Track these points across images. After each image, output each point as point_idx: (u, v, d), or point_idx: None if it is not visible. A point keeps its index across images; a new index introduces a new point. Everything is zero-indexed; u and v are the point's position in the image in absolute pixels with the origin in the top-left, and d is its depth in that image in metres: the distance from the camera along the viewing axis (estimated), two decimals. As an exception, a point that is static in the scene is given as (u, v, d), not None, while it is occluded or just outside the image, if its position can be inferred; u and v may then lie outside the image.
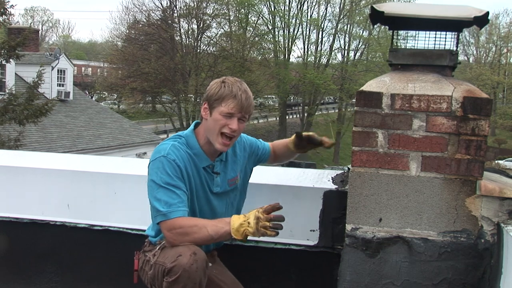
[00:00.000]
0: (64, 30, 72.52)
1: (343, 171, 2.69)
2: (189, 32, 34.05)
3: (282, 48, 38.61)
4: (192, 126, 2.39)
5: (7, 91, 14.56)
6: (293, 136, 2.62)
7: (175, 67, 32.46)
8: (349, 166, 2.39)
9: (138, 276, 2.36)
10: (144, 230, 2.72)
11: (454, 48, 2.35)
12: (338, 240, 2.53)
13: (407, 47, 2.41)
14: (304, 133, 2.62)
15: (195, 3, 33.38)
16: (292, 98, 42.22)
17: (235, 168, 2.45)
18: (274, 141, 2.74)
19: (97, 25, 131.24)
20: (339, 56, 40.77)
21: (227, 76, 2.36)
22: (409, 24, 2.39)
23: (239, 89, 2.24)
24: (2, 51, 13.55)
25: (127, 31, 36.81)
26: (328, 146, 2.57)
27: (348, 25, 39.01)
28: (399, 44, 2.46)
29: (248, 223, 2.09)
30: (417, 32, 2.40)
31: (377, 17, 2.35)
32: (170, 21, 34.20)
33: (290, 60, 40.40)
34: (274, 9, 37.72)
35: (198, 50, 34.12)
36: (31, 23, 53.86)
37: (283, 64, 37.34)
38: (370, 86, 2.31)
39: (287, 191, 2.64)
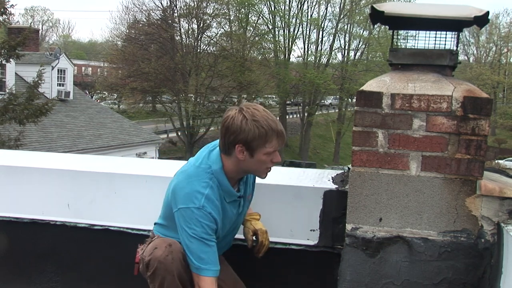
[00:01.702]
0: (64, 29, 72.63)
1: (343, 171, 2.69)
2: (189, 31, 34.02)
3: (282, 48, 38.60)
4: (219, 161, 2.23)
5: (7, 90, 14.58)
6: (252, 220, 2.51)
7: (175, 67, 32.43)
8: (349, 166, 2.39)
9: (138, 269, 2.37)
10: (144, 230, 2.73)
11: (454, 48, 2.35)
12: (338, 240, 2.53)
13: (407, 47, 2.41)
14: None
15: (195, 2, 33.35)
16: (292, 99, 42.20)
17: (250, 183, 2.44)
18: None
19: (97, 24, 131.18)
20: (339, 56, 40.84)
21: (242, 104, 2.23)
22: (409, 24, 2.39)
23: (275, 123, 2.17)
24: (2, 50, 13.57)
25: (127, 30, 36.78)
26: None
27: (348, 25, 39.03)
28: (399, 44, 2.46)
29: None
30: (417, 32, 2.40)
31: (377, 16, 2.35)
32: (170, 21, 34.16)
33: (290, 59, 40.43)
34: (274, 9, 37.69)
35: (198, 50, 34.06)
36: (31, 23, 53.85)
37: (283, 64, 37.32)
38: (370, 86, 2.31)
39: (287, 191, 2.63)
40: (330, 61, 39.24)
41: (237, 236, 2.59)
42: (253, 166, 2.20)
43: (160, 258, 2.09)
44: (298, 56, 42.77)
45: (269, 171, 2.26)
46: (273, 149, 2.17)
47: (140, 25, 35.26)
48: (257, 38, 37.74)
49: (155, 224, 2.44)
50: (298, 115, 41.63)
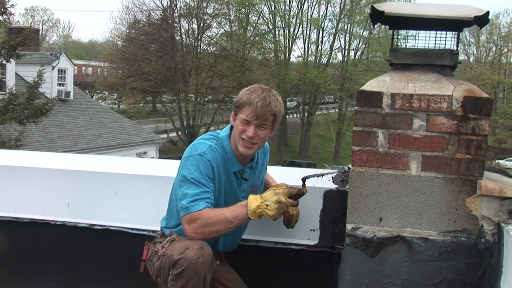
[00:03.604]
0: (64, 29, 72.60)
1: (343, 171, 2.69)
2: (190, 31, 34.01)
3: (282, 48, 38.58)
4: (228, 129, 2.40)
5: (7, 90, 14.57)
6: (281, 185, 2.40)
7: (175, 67, 32.43)
8: (350, 165, 2.39)
9: (145, 267, 2.37)
10: (144, 230, 2.73)
11: (455, 48, 2.35)
12: (339, 240, 2.53)
13: (408, 47, 2.41)
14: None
15: (195, 2, 33.35)
16: (292, 99, 42.19)
17: (260, 175, 2.49)
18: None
19: (98, 24, 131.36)
20: (340, 56, 40.82)
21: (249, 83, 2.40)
22: (410, 23, 2.39)
23: (258, 96, 2.26)
24: (3, 50, 13.56)
25: (128, 30, 36.79)
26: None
27: (349, 25, 39.01)
28: (399, 44, 2.46)
29: (267, 205, 2.16)
30: (417, 31, 2.40)
31: (377, 16, 2.35)
32: (170, 21, 34.16)
33: (291, 59, 40.42)
34: (275, 9, 37.69)
35: (199, 50, 34.07)
36: (31, 23, 53.85)
37: (283, 64, 37.31)
38: (371, 85, 2.31)
39: (287, 191, 2.63)
40: (330, 61, 39.24)
41: (237, 236, 2.60)
42: (234, 131, 2.32)
43: (192, 259, 2.10)
44: (298, 56, 42.80)
45: (246, 145, 2.29)
46: (245, 116, 2.26)
47: (140, 25, 35.25)
48: (257, 38, 37.74)
49: (162, 222, 2.46)
50: (298, 115, 41.63)
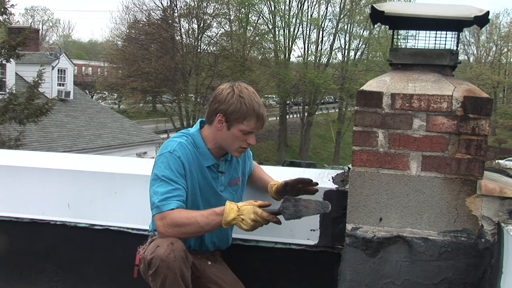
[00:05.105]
0: (64, 29, 72.69)
1: (343, 171, 2.69)
2: (190, 31, 34.05)
3: (282, 48, 38.59)
4: (198, 125, 2.40)
5: (7, 90, 14.56)
6: (275, 183, 2.48)
7: (175, 67, 32.45)
8: (350, 165, 2.39)
9: (138, 271, 2.37)
10: (144, 230, 2.73)
11: (455, 48, 2.35)
12: (339, 240, 2.53)
13: (408, 47, 2.41)
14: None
15: (195, 2, 33.38)
16: (292, 99, 42.19)
17: (238, 168, 2.48)
18: (256, 165, 2.66)
19: (98, 24, 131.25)
20: (340, 56, 40.85)
21: (237, 81, 2.36)
22: (410, 23, 2.39)
23: (259, 105, 2.27)
24: (3, 50, 13.56)
25: (128, 30, 36.84)
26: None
27: (349, 25, 39.03)
28: (399, 44, 2.46)
29: (242, 219, 2.12)
30: (417, 31, 2.40)
31: (377, 16, 2.35)
32: (170, 21, 34.18)
33: (291, 59, 40.44)
34: (275, 9, 37.69)
35: (199, 50, 34.10)
36: (31, 23, 53.90)
37: (283, 64, 37.32)
38: (371, 85, 2.31)
39: (287, 191, 2.63)
40: (330, 61, 39.26)
41: (236, 235, 2.60)
42: (227, 139, 2.29)
43: (162, 256, 2.09)
44: (298, 56, 42.85)
45: (243, 151, 2.35)
46: (249, 128, 2.27)
47: (140, 25, 35.30)
48: (257, 38, 37.74)
49: (150, 226, 2.46)
50: (298, 115, 41.62)
